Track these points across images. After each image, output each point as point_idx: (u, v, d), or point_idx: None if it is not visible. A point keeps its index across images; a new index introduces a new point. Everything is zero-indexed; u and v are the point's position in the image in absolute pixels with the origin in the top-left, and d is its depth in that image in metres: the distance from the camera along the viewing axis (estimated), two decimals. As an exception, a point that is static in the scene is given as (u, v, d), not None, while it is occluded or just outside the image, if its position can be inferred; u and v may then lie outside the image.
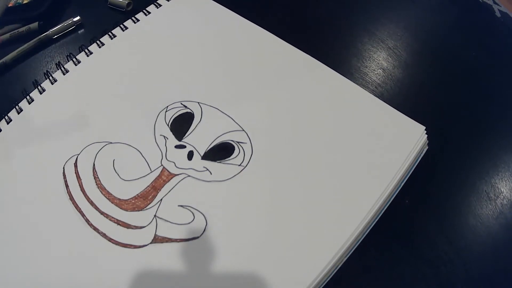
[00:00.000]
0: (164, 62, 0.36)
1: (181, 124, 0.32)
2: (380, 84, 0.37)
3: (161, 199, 0.29)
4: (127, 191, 0.29)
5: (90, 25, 0.41)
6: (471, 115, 0.36)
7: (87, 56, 0.36)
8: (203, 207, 0.28)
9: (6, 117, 0.33)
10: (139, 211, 0.28)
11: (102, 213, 0.28)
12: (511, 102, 0.37)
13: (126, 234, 0.27)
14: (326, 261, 0.26)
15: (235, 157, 0.31)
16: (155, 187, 0.29)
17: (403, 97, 0.36)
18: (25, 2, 0.41)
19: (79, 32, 0.40)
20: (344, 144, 0.31)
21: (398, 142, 0.31)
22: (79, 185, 0.29)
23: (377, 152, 0.31)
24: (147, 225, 0.28)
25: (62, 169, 0.30)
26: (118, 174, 0.30)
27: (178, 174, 0.30)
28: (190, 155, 0.31)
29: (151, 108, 0.33)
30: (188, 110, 0.33)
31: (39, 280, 0.26)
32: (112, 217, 0.28)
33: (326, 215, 0.28)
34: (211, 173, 0.30)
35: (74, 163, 0.30)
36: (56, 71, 0.35)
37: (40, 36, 0.39)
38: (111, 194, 0.29)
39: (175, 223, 0.28)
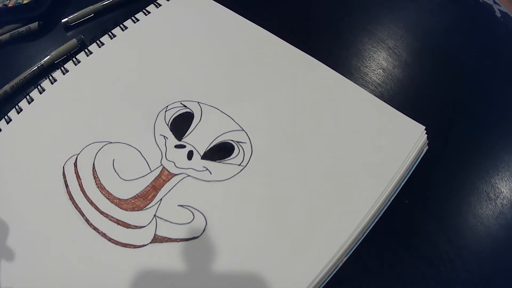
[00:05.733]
0: (163, 62, 0.36)
1: (181, 124, 0.32)
2: (380, 84, 0.37)
3: (161, 199, 0.29)
4: (127, 191, 0.29)
5: (90, 25, 0.41)
6: (471, 115, 0.36)
7: (87, 56, 0.36)
8: (202, 206, 0.28)
9: (6, 117, 0.33)
10: (139, 210, 0.28)
11: (102, 213, 0.28)
12: (511, 102, 0.37)
13: (126, 233, 0.27)
14: (326, 261, 0.26)
15: (235, 157, 0.31)
16: (155, 186, 0.29)
17: (403, 97, 0.36)
18: (25, 2, 0.41)
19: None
20: (344, 144, 0.31)
21: (398, 141, 0.31)
22: (79, 185, 0.29)
23: (377, 151, 0.31)
24: (147, 224, 0.28)
25: (62, 169, 0.30)
26: (117, 174, 0.30)
27: (178, 174, 0.30)
28: (190, 155, 0.31)
29: (151, 107, 0.33)
30: (188, 110, 0.33)
31: (39, 280, 0.26)
32: (112, 217, 0.28)
33: (326, 214, 0.28)
34: (210, 173, 0.30)
35: (74, 163, 0.30)
36: (56, 71, 0.35)
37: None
38: (111, 193, 0.29)
39: (175, 223, 0.28)
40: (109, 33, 0.38)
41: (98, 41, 0.37)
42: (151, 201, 0.29)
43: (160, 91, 0.34)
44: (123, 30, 0.38)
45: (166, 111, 0.33)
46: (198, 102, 0.33)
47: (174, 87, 0.34)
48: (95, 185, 0.29)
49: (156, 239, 0.27)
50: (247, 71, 0.35)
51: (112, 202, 0.29)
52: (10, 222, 0.28)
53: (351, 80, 0.34)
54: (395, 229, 0.30)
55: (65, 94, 0.34)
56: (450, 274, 0.28)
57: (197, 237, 0.27)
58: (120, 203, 0.29)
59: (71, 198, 0.29)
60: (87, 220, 0.28)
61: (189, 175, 0.30)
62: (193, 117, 0.33)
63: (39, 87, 0.34)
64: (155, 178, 0.30)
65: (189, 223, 0.28)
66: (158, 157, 0.31)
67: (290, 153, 0.31)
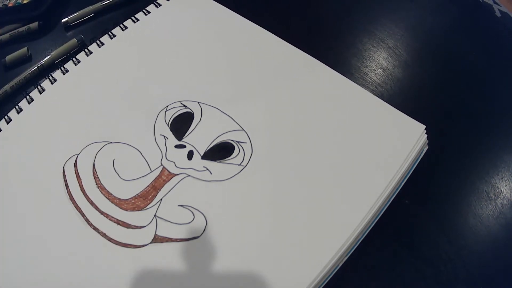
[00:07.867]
0: (163, 62, 0.36)
1: (181, 124, 0.32)
2: (380, 84, 0.37)
3: (161, 199, 0.29)
4: (127, 191, 0.29)
5: (90, 25, 0.41)
6: (471, 115, 0.36)
7: (87, 55, 0.36)
8: (203, 206, 0.28)
9: (6, 117, 0.33)
10: (139, 211, 0.28)
11: (102, 213, 0.28)
12: (511, 102, 0.37)
13: (126, 234, 0.27)
14: (326, 261, 0.26)
15: (235, 156, 0.31)
16: (155, 187, 0.29)
17: (403, 97, 0.36)
18: (25, 2, 0.41)
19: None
20: (344, 144, 0.31)
21: (398, 141, 0.31)
22: (79, 185, 0.29)
23: (377, 151, 0.31)
24: (147, 224, 0.28)
25: (62, 169, 0.30)
26: (118, 174, 0.30)
27: (178, 174, 0.30)
28: (190, 155, 0.31)
29: (151, 107, 0.33)
30: (188, 110, 0.33)
31: (39, 280, 0.26)
32: (112, 217, 0.28)
33: (326, 214, 0.28)
34: (211, 173, 0.30)
35: (74, 163, 0.30)
36: (56, 71, 0.35)
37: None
38: (111, 194, 0.29)
39: (175, 223, 0.28)
40: (109, 33, 0.38)
41: (98, 41, 0.37)
42: (151, 201, 0.29)
43: (160, 91, 0.34)
44: (123, 30, 0.38)
45: (166, 111, 0.33)
46: (198, 102, 0.33)
47: (174, 87, 0.34)
48: (95, 185, 0.29)
49: (156, 239, 0.27)
50: (247, 71, 0.35)
51: (112, 202, 0.29)
52: (10, 222, 0.28)
53: (351, 80, 0.34)
54: (395, 229, 0.30)
55: (65, 94, 0.34)
56: (450, 274, 0.28)
57: (198, 237, 0.27)
58: (120, 203, 0.29)
59: (71, 198, 0.29)
60: (87, 220, 0.28)
61: (189, 175, 0.30)
62: (193, 117, 0.33)
63: (39, 87, 0.34)
64: (155, 178, 0.30)
65: (189, 223, 0.28)
66: (158, 157, 0.31)
67: (290, 153, 0.31)
